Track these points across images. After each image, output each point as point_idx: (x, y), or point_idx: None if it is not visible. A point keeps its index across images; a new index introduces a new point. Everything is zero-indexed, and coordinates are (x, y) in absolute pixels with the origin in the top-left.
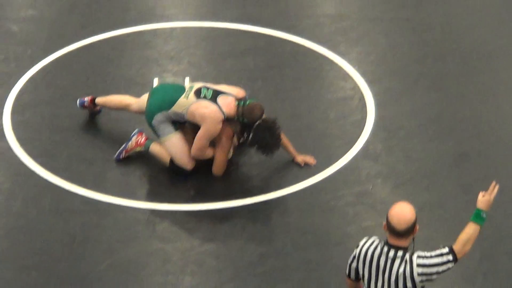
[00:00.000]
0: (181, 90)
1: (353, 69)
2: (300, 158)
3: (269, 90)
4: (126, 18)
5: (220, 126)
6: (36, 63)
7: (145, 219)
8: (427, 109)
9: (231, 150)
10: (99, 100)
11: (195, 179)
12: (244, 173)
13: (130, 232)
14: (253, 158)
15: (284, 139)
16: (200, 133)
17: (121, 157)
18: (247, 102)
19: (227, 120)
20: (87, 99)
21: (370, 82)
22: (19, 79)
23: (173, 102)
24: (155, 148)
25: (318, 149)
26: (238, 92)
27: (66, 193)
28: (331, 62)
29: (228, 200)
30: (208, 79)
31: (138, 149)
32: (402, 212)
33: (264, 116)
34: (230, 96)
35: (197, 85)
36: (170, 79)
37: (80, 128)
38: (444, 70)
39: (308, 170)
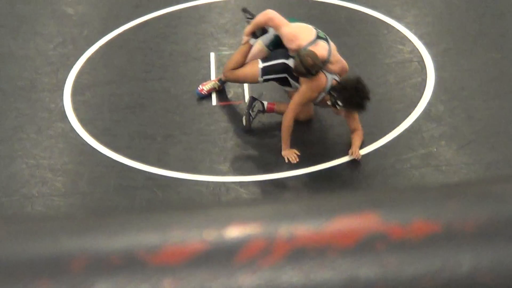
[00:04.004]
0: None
1: (410, 32)
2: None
3: None
4: None
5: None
6: (93, 44)
7: (209, 191)
8: (488, 69)
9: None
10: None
11: (256, 150)
12: (306, 141)
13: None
14: (315, 126)
15: None
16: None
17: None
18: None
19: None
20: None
21: (428, 44)
22: (77, 60)
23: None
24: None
25: (379, 113)
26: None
27: (129, 170)
28: (387, 27)
29: (294, 169)
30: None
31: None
32: None
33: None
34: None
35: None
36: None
37: (139, 105)
38: (503, 29)
39: (371, 135)
